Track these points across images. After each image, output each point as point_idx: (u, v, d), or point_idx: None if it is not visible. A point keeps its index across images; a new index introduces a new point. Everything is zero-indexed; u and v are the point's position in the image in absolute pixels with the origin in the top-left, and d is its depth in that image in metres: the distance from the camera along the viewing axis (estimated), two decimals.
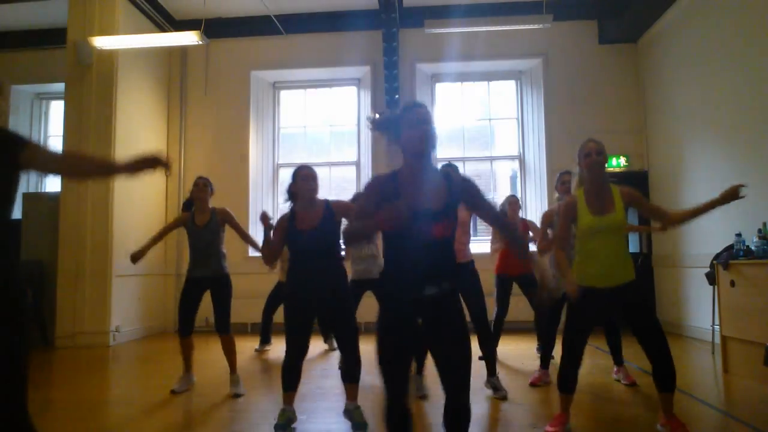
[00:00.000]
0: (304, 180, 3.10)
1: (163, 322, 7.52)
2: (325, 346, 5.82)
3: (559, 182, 4.49)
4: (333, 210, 3.10)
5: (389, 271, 2.00)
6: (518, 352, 5.29)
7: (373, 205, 1.95)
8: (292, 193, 3.17)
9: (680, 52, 6.31)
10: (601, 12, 7.35)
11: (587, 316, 2.87)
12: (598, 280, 2.81)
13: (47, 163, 1.71)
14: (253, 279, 6.45)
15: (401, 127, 1.97)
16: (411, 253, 1.91)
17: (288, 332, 3.03)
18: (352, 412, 3.11)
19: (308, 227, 3.01)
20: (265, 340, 5.87)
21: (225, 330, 3.98)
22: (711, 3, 5.68)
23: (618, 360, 4.13)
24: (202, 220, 4.07)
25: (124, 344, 6.38)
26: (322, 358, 5.37)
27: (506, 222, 2.33)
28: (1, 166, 1.61)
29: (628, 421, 3.16)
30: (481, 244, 6.21)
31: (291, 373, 3.06)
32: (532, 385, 4.05)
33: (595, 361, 4.75)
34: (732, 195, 2.75)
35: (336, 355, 5.45)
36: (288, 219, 3.11)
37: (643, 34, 7.15)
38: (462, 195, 2.01)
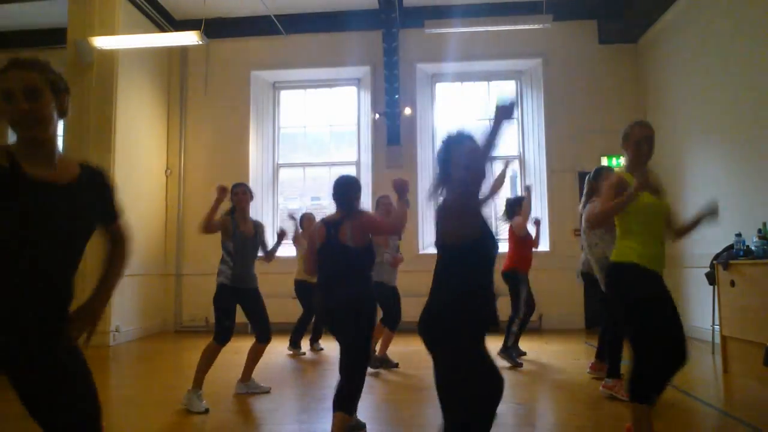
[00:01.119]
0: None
1: (162, 322, 7.51)
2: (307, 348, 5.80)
3: None
4: None
5: (485, 293, 2.00)
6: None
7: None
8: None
9: (680, 52, 6.31)
10: (601, 12, 7.35)
11: (657, 300, 2.57)
12: (655, 263, 2.58)
13: (108, 236, 1.76)
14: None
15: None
16: (487, 277, 2.02)
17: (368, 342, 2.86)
18: None
19: None
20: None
21: (268, 339, 3.94)
22: (711, 3, 5.68)
23: (615, 371, 3.69)
24: (248, 230, 3.95)
25: (124, 344, 6.38)
26: (323, 359, 5.38)
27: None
28: (88, 230, 1.63)
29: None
30: None
31: None
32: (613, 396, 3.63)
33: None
34: (711, 214, 2.64)
35: (336, 355, 5.45)
36: None
37: (643, 34, 7.15)
38: None
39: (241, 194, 3.96)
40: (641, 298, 2.54)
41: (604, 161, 7.18)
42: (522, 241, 4.97)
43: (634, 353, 2.54)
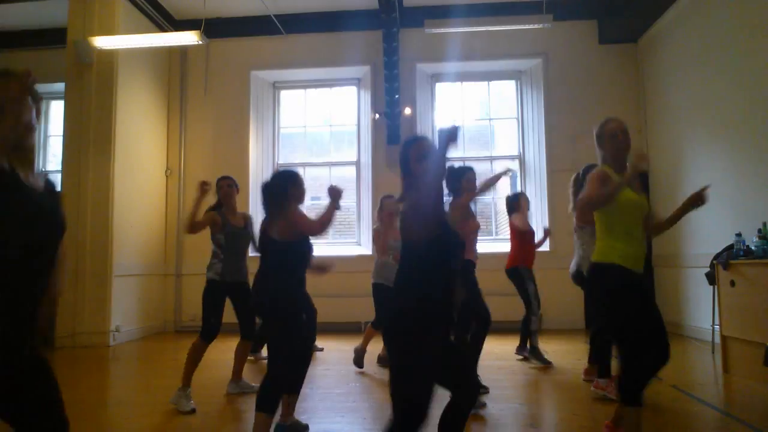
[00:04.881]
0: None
1: (163, 322, 7.51)
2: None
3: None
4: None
5: (434, 296, 2.00)
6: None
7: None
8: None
9: (680, 52, 6.31)
10: (601, 12, 7.35)
11: (644, 302, 2.56)
12: (637, 264, 2.57)
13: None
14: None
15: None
16: (447, 278, 2.02)
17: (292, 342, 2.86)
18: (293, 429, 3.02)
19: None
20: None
21: (251, 336, 3.99)
22: (711, 3, 5.68)
23: (605, 371, 3.74)
24: (238, 222, 3.97)
25: (124, 344, 6.37)
26: (323, 359, 5.37)
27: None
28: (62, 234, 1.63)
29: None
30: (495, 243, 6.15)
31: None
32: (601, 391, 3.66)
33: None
34: (698, 199, 2.62)
35: (335, 355, 5.45)
36: None
37: (643, 34, 7.15)
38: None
39: (227, 187, 3.99)
40: (622, 299, 2.53)
41: None
42: (522, 237, 4.99)
43: (621, 354, 2.56)
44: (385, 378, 4.34)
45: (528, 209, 5.17)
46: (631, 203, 2.59)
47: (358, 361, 4.67)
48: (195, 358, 3.73)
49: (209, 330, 3.76)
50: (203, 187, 3.71)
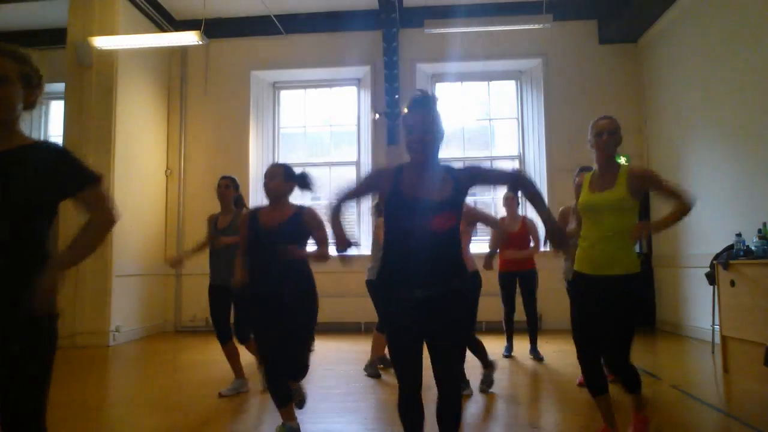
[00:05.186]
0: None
1: (163, 322, 7.51)
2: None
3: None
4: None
5: (389, 264, 2.04)
6: (519, 353, 5.29)
7: (363, 190, 2.27)
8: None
9: (680, 51, 6.31)
10: (601, 12, 7.35)
11: (585, 306, 2.60)
12: (591, 267, 2.57)
13: (87, 206, 1.66)
14: None
15: (402, 129, 2.11)
16: (412, 245, 1.95)
17: (257, 335, 2.88)
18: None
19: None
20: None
21: (246, 338, 3.95)
22: (711, 3, 5.68)
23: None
24: (223, 223, 3.85)
25: (124, 344, 6.37)
26: (323, 359, 5.37)
27: (518, 177, 2.29)
28: (55, 198, 1.61)
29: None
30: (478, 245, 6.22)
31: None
32: (581, 385, 3.83)
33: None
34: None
35: (335, 355, 5.46)
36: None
37: (643, 34, 7.16)
38: (470, 182, 2.08)
39: (223, 187, 3.96)
40: (572, 302, 2.77)
41: None
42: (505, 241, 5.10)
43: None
44: (385, 378, 4.35)
45: (512, 210, 5.21)
46: (583, 207, 2.66)
47: (374, 372, 4.44)
48: (231, 357, 3.89)
49: (217, 332, 3.86)
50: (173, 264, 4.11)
